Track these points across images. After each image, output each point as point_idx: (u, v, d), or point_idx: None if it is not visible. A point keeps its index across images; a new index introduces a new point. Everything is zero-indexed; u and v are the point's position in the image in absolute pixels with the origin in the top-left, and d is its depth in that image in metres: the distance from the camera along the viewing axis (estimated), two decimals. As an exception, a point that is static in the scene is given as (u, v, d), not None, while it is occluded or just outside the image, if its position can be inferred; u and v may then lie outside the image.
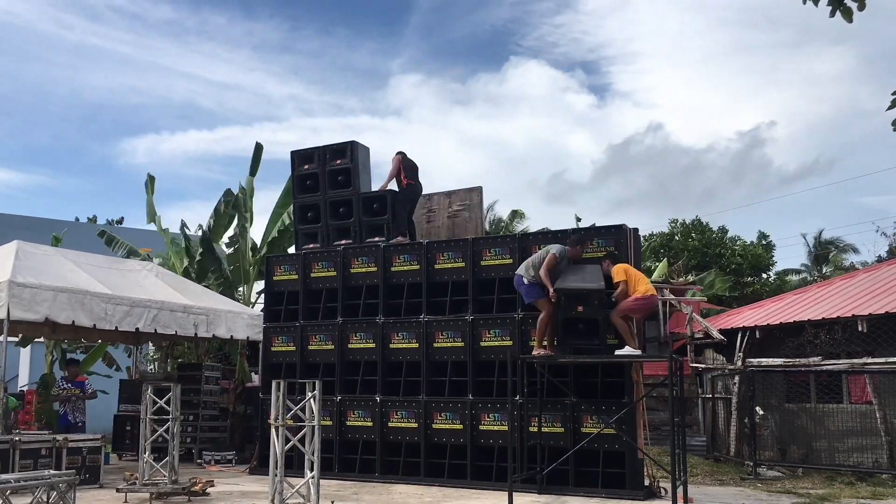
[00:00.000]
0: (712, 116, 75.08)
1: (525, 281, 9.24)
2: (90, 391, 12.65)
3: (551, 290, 8.94)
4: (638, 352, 8.89)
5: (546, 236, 10.33)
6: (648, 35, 77.39)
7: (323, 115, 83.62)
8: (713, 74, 75.28)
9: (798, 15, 77.18)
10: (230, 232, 17.63)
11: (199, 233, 17.39)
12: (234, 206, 17.29)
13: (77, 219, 34.39)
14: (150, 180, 18.07)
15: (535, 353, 9.18)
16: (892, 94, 5.15)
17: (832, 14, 4.71)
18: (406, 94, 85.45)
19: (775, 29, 73.38)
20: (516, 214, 21.27)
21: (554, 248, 9.26)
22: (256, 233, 17.90)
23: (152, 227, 18.39)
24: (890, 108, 5.14)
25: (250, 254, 17.29)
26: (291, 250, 16.73)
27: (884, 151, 67.30)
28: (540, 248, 9.93)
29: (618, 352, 8.87)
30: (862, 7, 4.62)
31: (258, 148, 17.88)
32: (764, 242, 32.37)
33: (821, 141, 68.71)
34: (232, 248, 17.49)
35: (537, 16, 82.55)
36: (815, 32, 73.64)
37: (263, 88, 78.36)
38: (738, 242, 31.09)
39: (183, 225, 17.83)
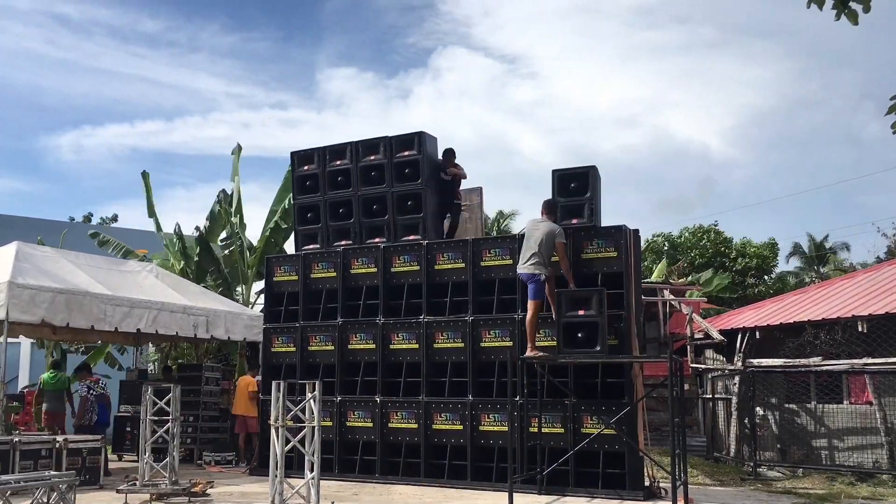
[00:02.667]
0: (640, 112, 75.03)
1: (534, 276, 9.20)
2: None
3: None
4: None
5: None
6: (544, 39, 77.06)
7: (252, 109, 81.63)
8: (632, 75, 75.31)
9: (713, 12, 76.90)
10: (223, 234, 17.67)
11: (196, 234, 17.39)
12: (227, 207, 17.33)
13: (72, 219, 34.33)
14: (145, 176, 17.98)
15: (528, 353, 9.16)
16: (891, 98, 5.15)
17: (837, 17, 4.68)
18: (340, 88, 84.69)
19: (689, 29, 73.35)
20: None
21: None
22: (252, 232, 17.97)
23: (146, 226, 18.38)
24: (888, 112, 5.14)
25: (247, 254, 17.30)
26: (288, 248, 16.79)
27: (833, 144, 67.61)
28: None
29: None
30: (867, 9, 4.59)
31: (237, 149, 17.96)
32: (770, 245, 32.31)
33: (765, 136, 68.93)
34: (228, 250, 17.51)
35: (424, 19, 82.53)
36: (736, 29, 73.61)
37: (186, 82, 76.47)
38: (746, 245, 30.99)
39: (178, 227, 17.82)
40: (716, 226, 32.02)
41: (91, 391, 11.55)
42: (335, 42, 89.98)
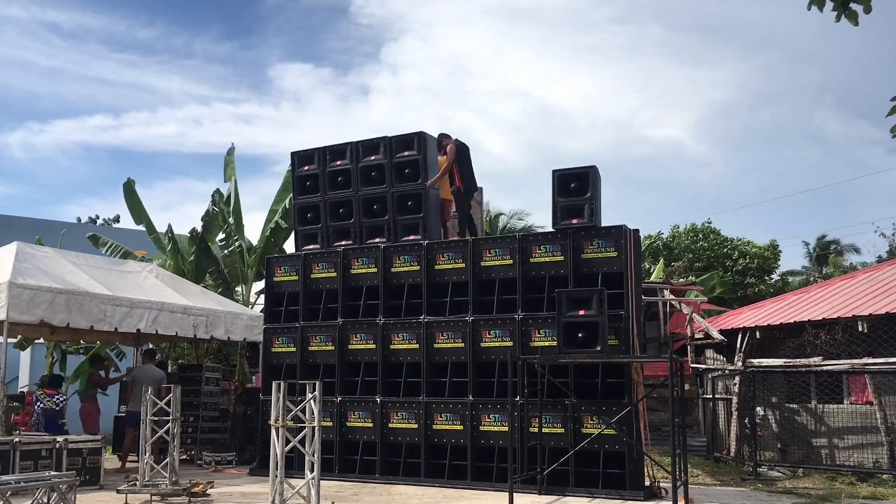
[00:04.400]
0: (602, 104, 74.79)
1: None
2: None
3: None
4: None
5: (547, 236, 10.33)
6: (479, 40, 76.42)
7: (199, 104, 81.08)
8: (586, 74, 75.10)
9: (655, 12, 76.84)
10: (221, 234, 17.67)
11: (192, 234, 17.37)
12: (224, 206, 17.32)
13: (79, 219, 34.42)
14: (131, 184, 17.85)
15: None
16: (892, 99, 5.14)
17: (837, 18, 4.68)
18: (296, 84, 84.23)
19: (632, 29, 73.21)
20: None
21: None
22: (251, 231, 17.98)
23: (143, 227, 18.32)
24: (889, 114, 5.13)
25: (246, 254, 17.28)
26: (288, 248, 16.78)
27: (797, 142, 67.65)
28: (540, 249, 10.01)
29: None
30: (868, 10, 4.59)
31: (230, 150, 18.02)
32: (772, 246, 32.14)
33: (731, 132, 68.91)
34: (227, 251, 17.49)
35: (350, 22, 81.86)
36: (685, 27, 73.62)
37: (133, 78, 75.74)
38: (748, 245, 30.69)
39: (169, 227, 17.77)
40: (710, 224, 31.50)
41: (39, 403, 11.74)
42: (283, 37, 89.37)
